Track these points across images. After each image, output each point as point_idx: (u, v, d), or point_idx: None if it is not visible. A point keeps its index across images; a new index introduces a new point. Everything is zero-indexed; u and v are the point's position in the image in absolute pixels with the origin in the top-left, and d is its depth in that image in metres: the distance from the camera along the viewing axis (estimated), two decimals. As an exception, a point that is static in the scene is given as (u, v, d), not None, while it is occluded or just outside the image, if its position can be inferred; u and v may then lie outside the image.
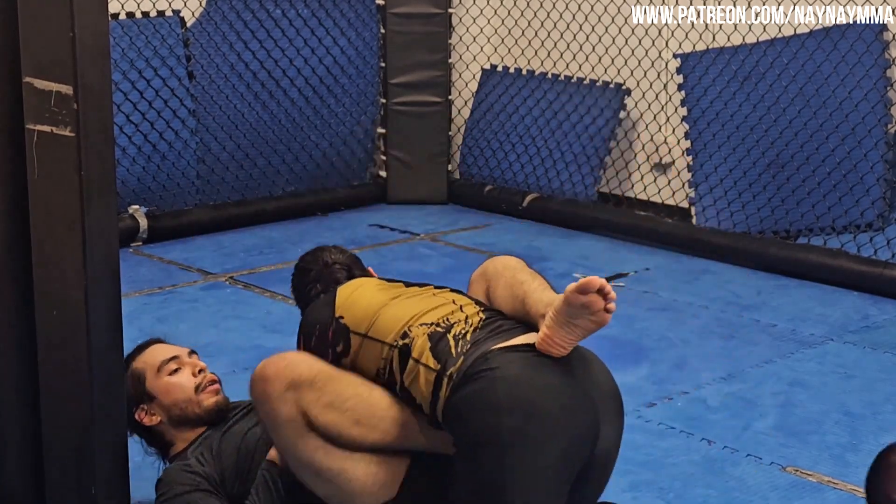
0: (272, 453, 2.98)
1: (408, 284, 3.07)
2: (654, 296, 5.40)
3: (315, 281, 3.21)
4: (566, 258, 5.99)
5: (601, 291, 2.62)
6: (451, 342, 2.76)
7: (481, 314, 2.86)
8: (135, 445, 3.12)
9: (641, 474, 3.54)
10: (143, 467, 3.34)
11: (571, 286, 2.63)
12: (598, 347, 2.89)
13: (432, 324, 2.82)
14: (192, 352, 3.27)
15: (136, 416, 3.16)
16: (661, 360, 4.53)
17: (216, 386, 3.21)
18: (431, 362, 2.74)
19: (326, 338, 2.95)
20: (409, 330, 2.82)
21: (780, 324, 5.02)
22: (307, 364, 2.82)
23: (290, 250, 6.12)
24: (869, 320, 5.09)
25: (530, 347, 2.69)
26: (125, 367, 3.20)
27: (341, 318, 2.94)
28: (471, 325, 2.81)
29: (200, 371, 3.21)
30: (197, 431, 3.16)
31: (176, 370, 3.18)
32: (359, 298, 2.95)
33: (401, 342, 2.80)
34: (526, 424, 2.59)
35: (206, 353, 3.55)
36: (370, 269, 3.36)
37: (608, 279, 5.58)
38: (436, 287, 3.06)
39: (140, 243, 6.15)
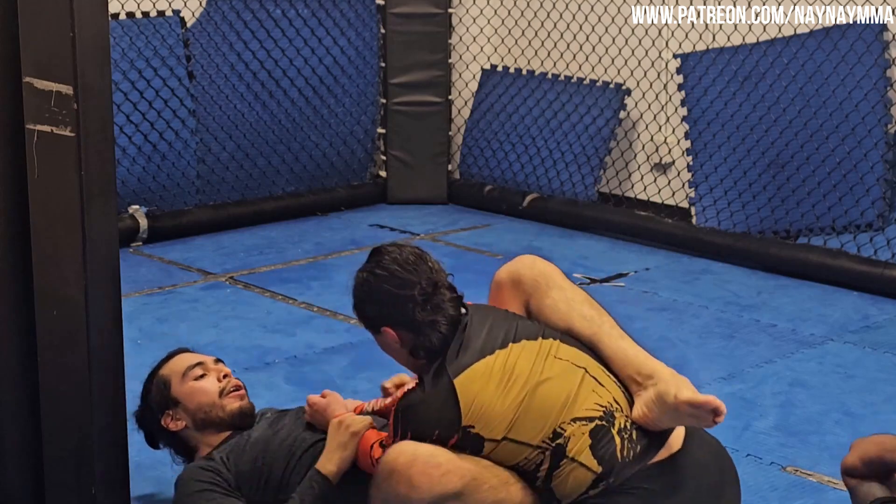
0: (326, 464, 2.93)
1: (507, 338, 2.80)
2: (654, 296, 5.40)
3: (424, 303, 2.76)
4: (566, 258, 5.98)
5: (714, 411, 2.70)
6: (617, 441, 2.74)
7: (623, 391, 2.85)
8: (135, 445, 3.11)
9: (641, 474, 3.53)
10: (143, 467, 3.33)
11: (685, 396, 2.71)
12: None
13: (591, 419, 2.74)
14: (218, 360, 3.30)
15: (163, 422, 3.19)
16: (660, 359, 4.49)
17: (241, 391, 3.23)
18: (593, 464, 2.71)
19: (446, 444, 2.73)
20: (563, 428, 2.72)
21: (780, 324, 5.01)
22: (459, 474, 2.66)
23: (289, 250, 6.12)
24: (869, 320, 5.08)
25: (687, 460, 2.78)
26: (151, 376, 3.23)
27: (471, 427, 2.72)
28: (627, 416, 2.78)
29: (225, 376, 3.24)
30: (221, 436, 3.17)
31: (201, 376, 3.21)
32: (487, 400, 2.72)
33: (553, 444, 2.72)
34: None
35: (207, 354, 3.54)
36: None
37: (608, 279, 5.64)
38: (529, 336, 2.83)
39: (140, 243, 6.15)
